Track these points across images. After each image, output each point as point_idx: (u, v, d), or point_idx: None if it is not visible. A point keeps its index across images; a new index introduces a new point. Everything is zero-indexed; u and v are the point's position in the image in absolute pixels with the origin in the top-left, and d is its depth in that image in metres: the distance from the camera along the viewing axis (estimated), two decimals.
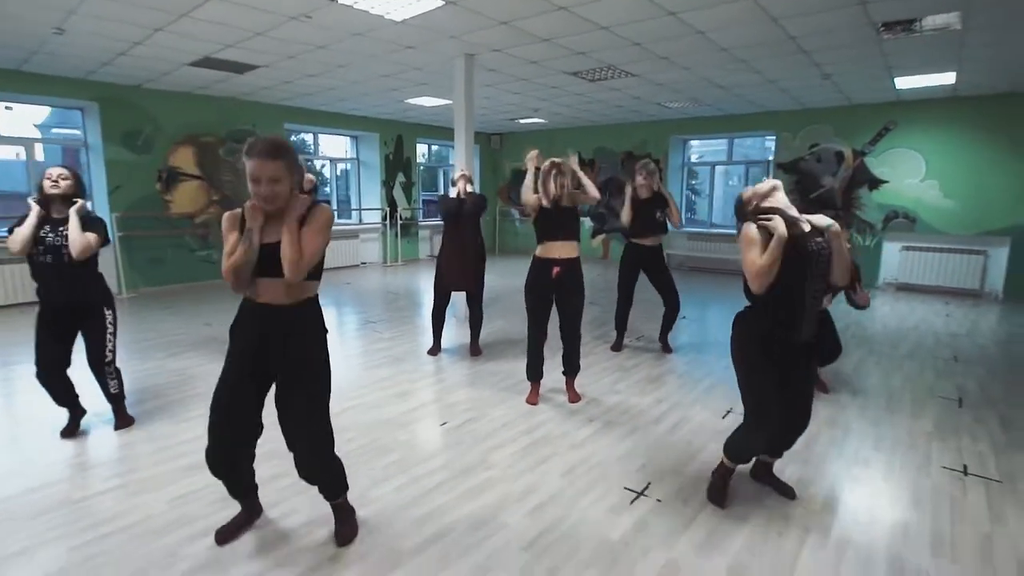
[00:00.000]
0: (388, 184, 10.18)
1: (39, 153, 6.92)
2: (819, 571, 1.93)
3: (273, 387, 1.95)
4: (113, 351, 2.96)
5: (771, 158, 8.74)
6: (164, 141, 7.34)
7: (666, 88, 6.90)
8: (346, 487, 2.09)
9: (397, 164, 10.31)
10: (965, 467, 2.69)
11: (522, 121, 10.01)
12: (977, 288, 7.11)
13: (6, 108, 6.53)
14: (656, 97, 7.52)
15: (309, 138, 9.65)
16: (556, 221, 3.33)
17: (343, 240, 9.41)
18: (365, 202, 10.18)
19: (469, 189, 4.39)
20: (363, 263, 9.83)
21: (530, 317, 3.41)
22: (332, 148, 10.15)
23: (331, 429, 1.99)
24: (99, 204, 7.02)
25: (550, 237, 3.34)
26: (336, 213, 10.03)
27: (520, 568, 1.94)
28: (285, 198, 1.79)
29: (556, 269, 3.30)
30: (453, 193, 4.43)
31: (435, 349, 4.51)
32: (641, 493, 2.45)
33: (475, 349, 4.52)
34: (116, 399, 3.03)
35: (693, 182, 10.84)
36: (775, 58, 5.37)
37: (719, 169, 10.17)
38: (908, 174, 7.46)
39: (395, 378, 3.95)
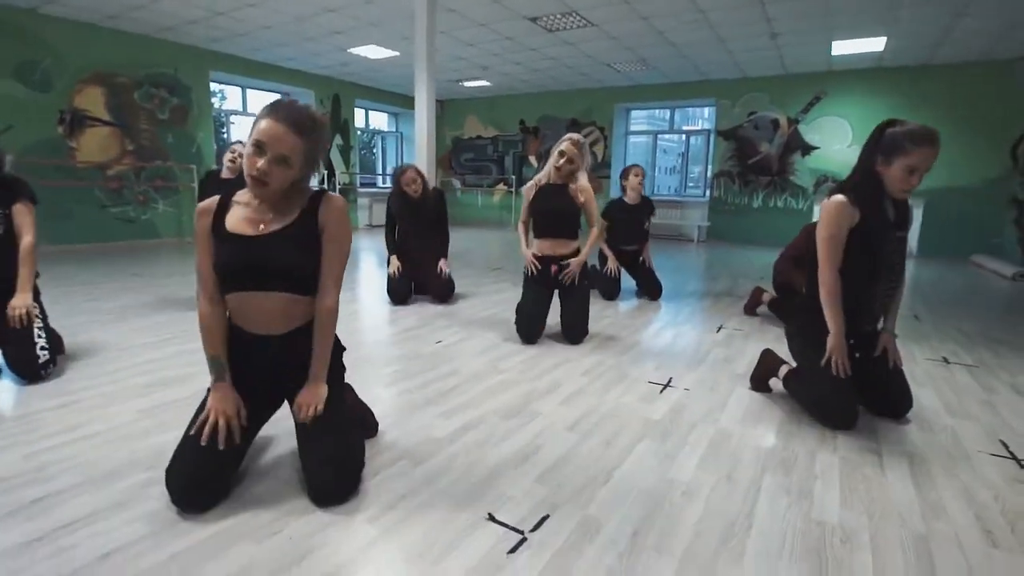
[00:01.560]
0: None
1: None
2: (863, 437, 1.96)
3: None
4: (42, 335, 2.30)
5: (710, 126, 9.11)
6: (67, 78, 6.44)
7: (619, 45, 6.95)
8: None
9: (334, 126, 9.73)
10: (945, 358, 2.87)
11: (467, 84, 9.76)
12: None
13: None
14: (608, 56, 7.56)
15: (236, 92, 8.87)
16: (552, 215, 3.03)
17: None
18: None
19: (416, 188, 3.75)
20: None
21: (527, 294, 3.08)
22: (262, 105, 9.40)
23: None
24: None
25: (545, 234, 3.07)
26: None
27: (571, 445, 1.81)
28: (282, 188, 1.38)
29: (555, 267, 3.04)
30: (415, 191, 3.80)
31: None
32: (667, 384, 2.40)
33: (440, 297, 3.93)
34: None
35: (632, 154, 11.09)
36: (732, 10, 5.53)
37: (661, 138, 10.47)
38: (836, 140, 8.02)
39: (372, 313, 3.67)
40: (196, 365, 2.45)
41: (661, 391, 2.32)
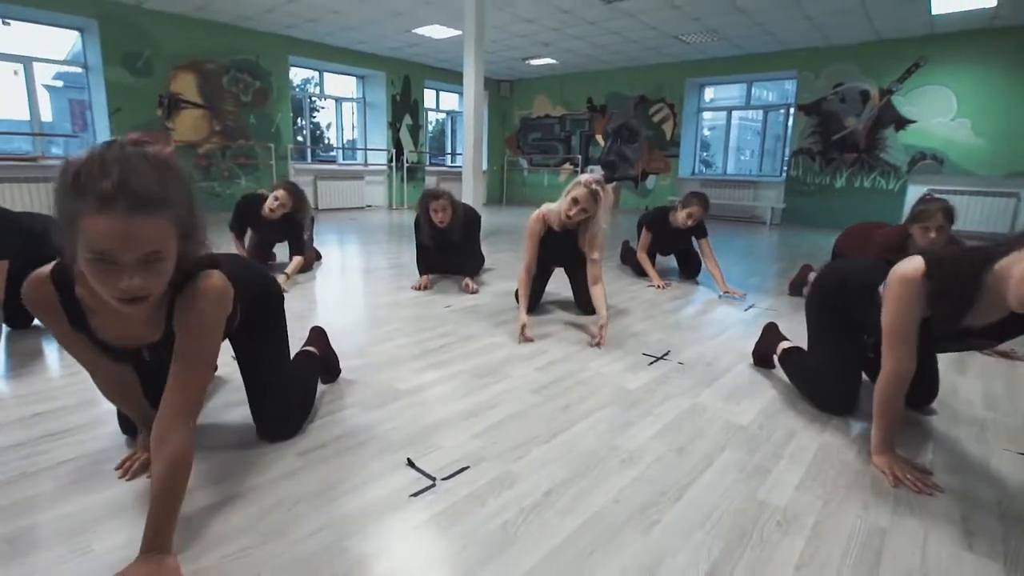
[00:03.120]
0: (395, 126, 9.91)
1: (38, 74, 6.68)
2: (861, 423, 1.76)
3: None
4: None
5: (791, 101, 8.40)
6: (165, 65, 7.10)
7: (684, 14, 6.56)
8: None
9: (404, 106, 10.01)
10: (1013, 349, 2.50)
11: (532, 63, 9.66)
12: (1007, 232, 6.84)
13: (3, 23, 6.27)
14: (673, 28, 7.17)
15: (315, 76, 9.36)
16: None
17: (348, 181, 9.19)
18: (371, 144, 9.92)
19: (443, 218, 3.38)
20: (368, 205, 9.62)
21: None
22: (338, 89, 9.85)
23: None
24: (100, 127, 6.83)
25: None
26: (341, 154, 10.01)
27: (528, 406, 1.78)
28: (162, 288, 1.00)
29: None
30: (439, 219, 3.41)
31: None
32: (661, 357, 2.28)
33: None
34: None
35: (707, 132, 10.47)
36: None
37: (735, 114, 9.79)
38: (938, 112, 7.12)
39: (398, 277, 3.78)
40: None
41: (651, 363, 2.21)
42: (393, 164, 9.90)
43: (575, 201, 2.47)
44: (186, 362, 1.08)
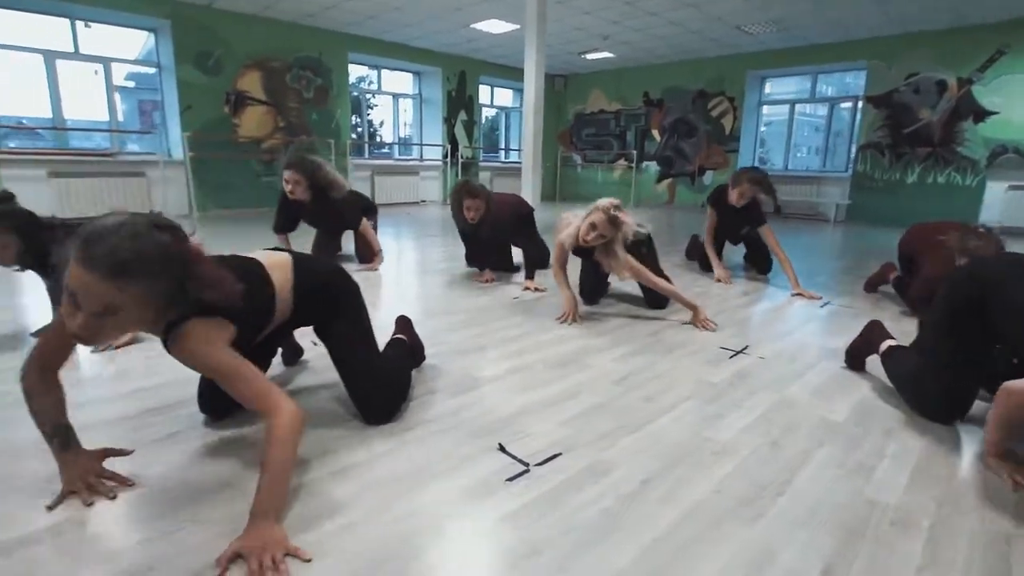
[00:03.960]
0: (450, 122, 10.02)
1: (116, 74, 7.10)
2: (970, 427, 1.66)
3: None
4: None
5: (858, 93, 8.00)
6: (233, 64, 7.40)
7: (749, 4, 6.33)
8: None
9: (459, 102, 10.11)
10: None
11: (589, 57, 9.56)
12: None
13: (85, 26, 6.69)
14: (736, 18, 6.95)
15: (370, 73, 9.57)
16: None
17: (403, 176, 9.36)
18: (426, 139, 10.07)
19: (473, 214, 3.26)
20: (423, 200, 9.78)
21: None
22: (395, 85, 10.03)
23: None
24: (171, 124, 7.20)
25: None
26: (396, 149, 10.20)
27: (612, 396, 1.76)
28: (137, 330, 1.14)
29: None
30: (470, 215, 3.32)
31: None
32: (740, 351, 2.22)
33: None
34: None
35: (763, 128, 10.07)
36: None
37: (798, 108, 9.39)
38: (1022, 103, 6.63)
39: (460, 268, 3.81)
40: None
41: (731, 357, 2.15)
42: (448, 159, 10.02)
43: (592, 226, 2.43)
44: (216, 377, 1.18)
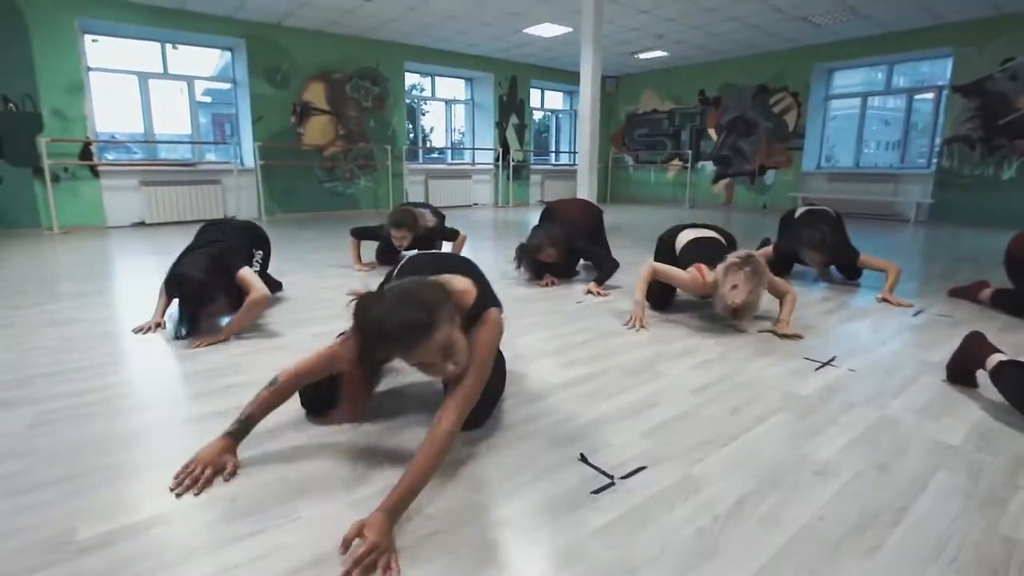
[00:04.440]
0: (501, 126, 10.05)
1: (199, 91, 7.53)
2: None
3: None
4: None
5: (944, 83, 7.45)
6: (299, 77, 7.70)
7: None
8: None
9: (511, 106, 10.13)
10: None
11: (641, 56, 9.37)
12: None
13: (174, 48, 7.16)
14: (803, 8, 6.62)
15: (426, 82, 9.74)
16: None
17: (457, 180, 9.46)
18: (478, 143, 10.14)
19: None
20: (475, 204, 9.85)
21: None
22: (448, 91, 10.16)
23: None
24: (243, 134, 7.56)
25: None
26: (450, 154, 10.32)
27: (692, 407, 1.67)
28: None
29: None
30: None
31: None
32: (827, 363, 2.07)
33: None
34: None
35: (829, 123, 9.48)
36: None
37: (871, 101, 8.82)
38: None
39: (514, 274, 3.78)
40: None
41: (818, 368, 2.01)
42: (499, 163, 10.06)
43: (736, 288, 2.29)
44: (486, 364, 1.29)
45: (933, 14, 6.75)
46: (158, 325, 2.39)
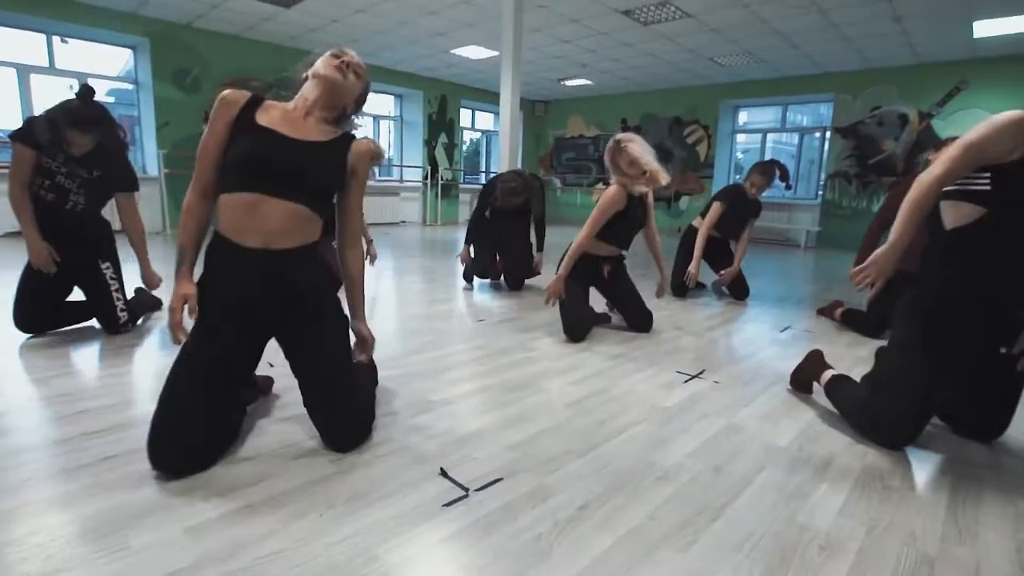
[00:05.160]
0: (430, 144, 10.10)
1: (100, 91, 7.04)
2: (910, 448, 1.69)
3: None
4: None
5: (827, 124, 8.27)
6: (212, 82, 7.40)
7: (721, 37, 6.57)
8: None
9: (440, 125, 10.21)
10: None
11: (568, 83, 9.77)
12: None
13: (62, 42, 6.66)
14: (709, 51, 7.18)
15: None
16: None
17: (383, 196, 9.38)
18: (407, 161, 10.13)
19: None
20: (403, 221, 9.79)
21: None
22: (376, 107, 10.10)
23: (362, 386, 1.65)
24: (147, 140, 7.15)
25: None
26: (377, 171, 10.22)
27: (562, 420, 1.77)
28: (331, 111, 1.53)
29: (607, 267, 2.95)
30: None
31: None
32: (696, 375, 2.25)
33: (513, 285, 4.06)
34: None
35: (740, 155, 10.33)
36: None
37: (770, 137, 9.67)
38: None
39: (431, 291, 3.82)
40: None
41: (686, 381, 2.17)
42: (428, 181, 10.08)
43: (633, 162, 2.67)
44: (357, 195, 1.54)
45: (817, 63, 7.51)
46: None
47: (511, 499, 1.30)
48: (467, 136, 11.31)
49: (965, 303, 1.54)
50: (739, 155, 10.67)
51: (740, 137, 9.90)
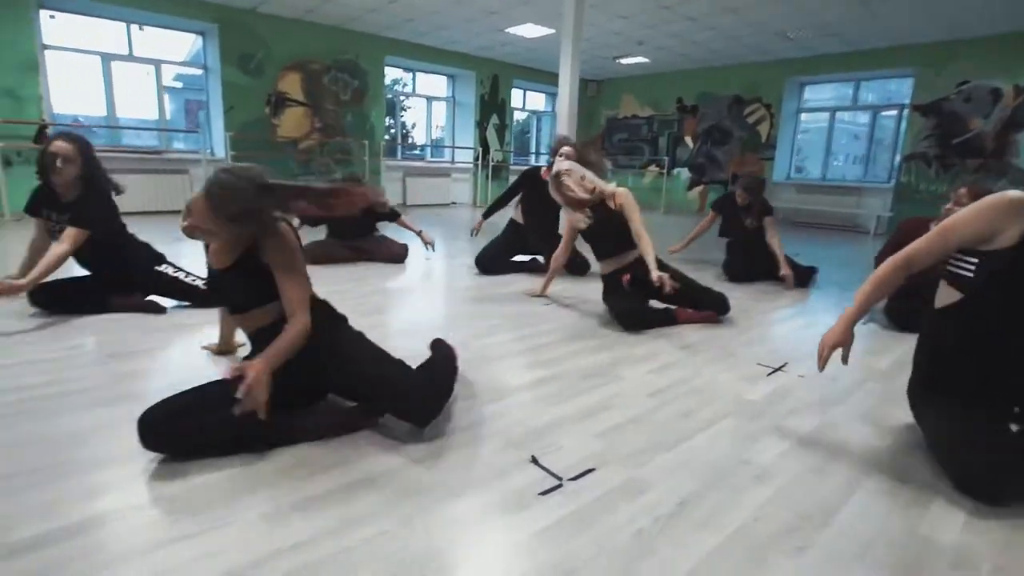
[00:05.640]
0: (482, 125, 10.05)
1: (166, 76, 7.34)
2: None
3: None
4: None
5: (901, 101, 7.72)
6: (274, 66, 7.57)
7: (793, 8, 6.18)
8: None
9: (492, 106, 10.13)
10: None
11: (623, 61, 9.48)
12: None
13: (139, 29, 6.95)
14: (777, 23, 6.79)
15: (408, 77, 9.68)
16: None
17: (436, 178, 9.43)
18: (458, 142, 10.13)
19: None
20: (454, 202, 9.83)
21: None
22: (429, 88, 10.13)
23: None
24: (215, 123, 7.41)
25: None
26: (429, 151, 10.29)
27: (646, 410, 1.72)
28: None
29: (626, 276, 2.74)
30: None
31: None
32: (779, 368, 2.15)
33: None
34: None
35: (800, 135, 9.76)
36: None
37: (840, 116, 9.10)
38: None
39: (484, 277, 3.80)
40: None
41: (769, 374, 2.08)
42: (479, 162, 10.06)
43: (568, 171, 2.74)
44: (285, 276, 1.45)
45: (897, 34, 6.98)
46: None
47: (605, 491, 1.27)
48: (516, 116, 11.19)
49: (958, 379, 1.48)
50: (799, 135, 10.12)
51: (804, 116, 9.37)
